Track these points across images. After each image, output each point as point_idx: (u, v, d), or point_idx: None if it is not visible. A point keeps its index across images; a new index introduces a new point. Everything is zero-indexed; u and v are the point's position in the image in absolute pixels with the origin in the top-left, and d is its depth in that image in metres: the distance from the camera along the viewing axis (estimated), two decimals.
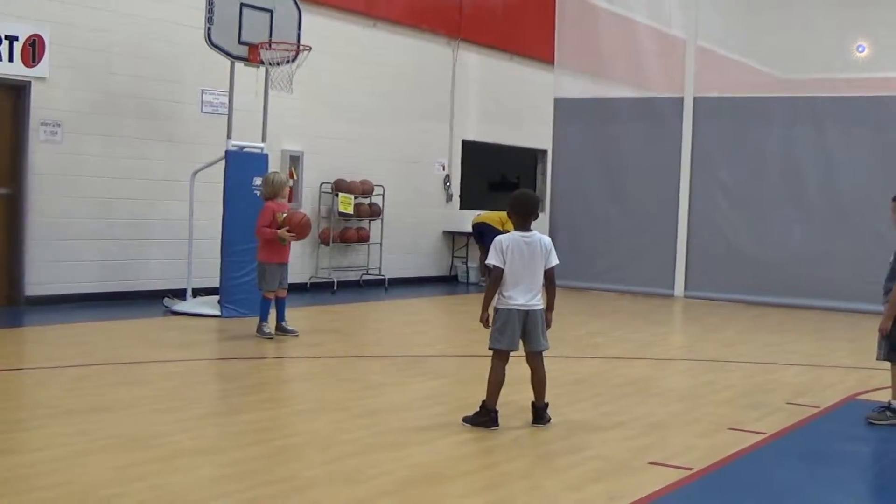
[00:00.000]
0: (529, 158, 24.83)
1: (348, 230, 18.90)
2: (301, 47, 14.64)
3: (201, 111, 16.02)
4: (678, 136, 19.70)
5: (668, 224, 19.68)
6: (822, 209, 18.24)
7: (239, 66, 14.55)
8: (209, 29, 14.03)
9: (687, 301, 19.23)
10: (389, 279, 19.56)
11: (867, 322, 14.04)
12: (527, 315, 8.06)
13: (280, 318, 12.54)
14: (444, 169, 21.58)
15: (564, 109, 20.93)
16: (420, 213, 20.80)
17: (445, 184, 21.57)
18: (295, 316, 13.04)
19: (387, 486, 6.35)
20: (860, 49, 20.36)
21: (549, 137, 21.37)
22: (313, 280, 18.34)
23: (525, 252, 8.06)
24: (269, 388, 9.91)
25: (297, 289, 17.54)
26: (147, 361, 10.54)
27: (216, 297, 14.32)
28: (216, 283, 14.45)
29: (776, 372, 11.51)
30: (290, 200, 13.32)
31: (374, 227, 19.41)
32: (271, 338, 12.23)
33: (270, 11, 14.55)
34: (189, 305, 14.43)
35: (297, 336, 12.40)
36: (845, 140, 18.21)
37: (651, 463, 7.17)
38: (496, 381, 8.08)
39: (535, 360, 8.23)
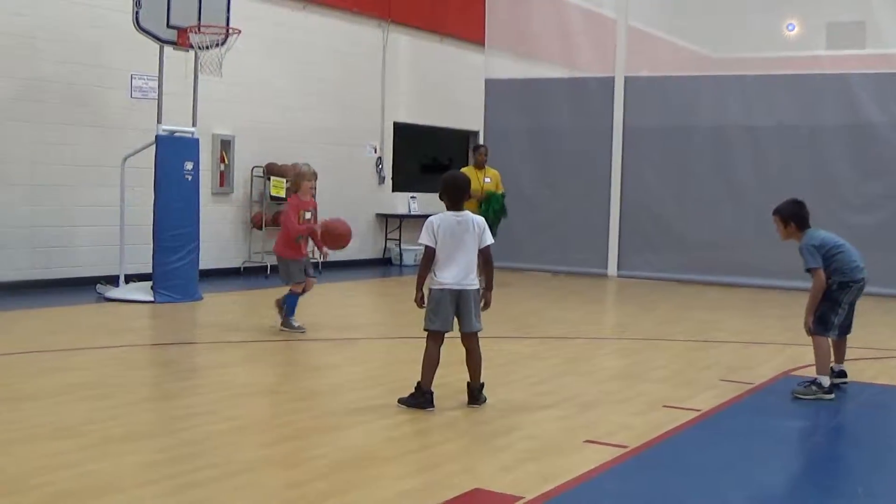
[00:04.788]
0: (461, 140, 24.80)
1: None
2: (230, 30, 14.51)
3: (130, 96, 15.79)
4: (609, 116, 19.77)
5: (600, 204, 19.76)
6: (753, 188, 18.37)
7: (168, 49, 14.39)
8: (137, 13, 13.87)
9: (620, 280, 19.33)
10: (322, 263, 19.44)
11: (799, 299, 14.18)
12: (460, 295, 8.03)
13: (289, 312, 11.92)
14: (375, 151, 21.52)
15: (495, 90, 20.94)
16: (352, 195, 20.70)
17: (377, 166, 21.51)
18: (228, 300, 12.97)
19: (321, 469, 6.32)
20: (790, 28, 20.53)
21: (481, 118, 21.36)
22: (246, 264, 18.22)
23: (457, 231, 8.05)
24: (202, 373, 9.82)
25: (231, 273, 17.49)
26: (79, 348, 10.42)
27: (149, 283, 14.19)
28: (149, 269, 14.30)
29: (709, 349, 11.60)
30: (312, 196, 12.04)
31: None
32: (303, 331, 11.69)
33: None
34: (122, 292, 14.28)
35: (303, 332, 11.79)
36: (774, 118, 18.35)
37: (586, 442, 7.19)
38: (430, 363, 8.06)
39: (469, 341, 8.20)
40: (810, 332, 9.07)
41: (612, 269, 19.71)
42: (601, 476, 6.43)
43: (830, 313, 9.00)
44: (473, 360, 8.22)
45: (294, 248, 11.75)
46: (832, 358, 9.33)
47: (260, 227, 18.31)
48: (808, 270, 8.99)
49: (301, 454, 6.67)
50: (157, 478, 6.08)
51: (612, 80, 19.81)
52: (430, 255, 8.07)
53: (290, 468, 6.36)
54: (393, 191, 22.08)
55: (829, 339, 9.11)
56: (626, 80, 19.73)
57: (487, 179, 17.02)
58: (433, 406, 7.99)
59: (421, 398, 8.03)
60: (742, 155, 18.62)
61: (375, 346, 11.19)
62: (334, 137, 20.19)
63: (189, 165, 14.30)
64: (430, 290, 8.09)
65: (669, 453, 7.17)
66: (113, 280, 14.73)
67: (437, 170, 23.35)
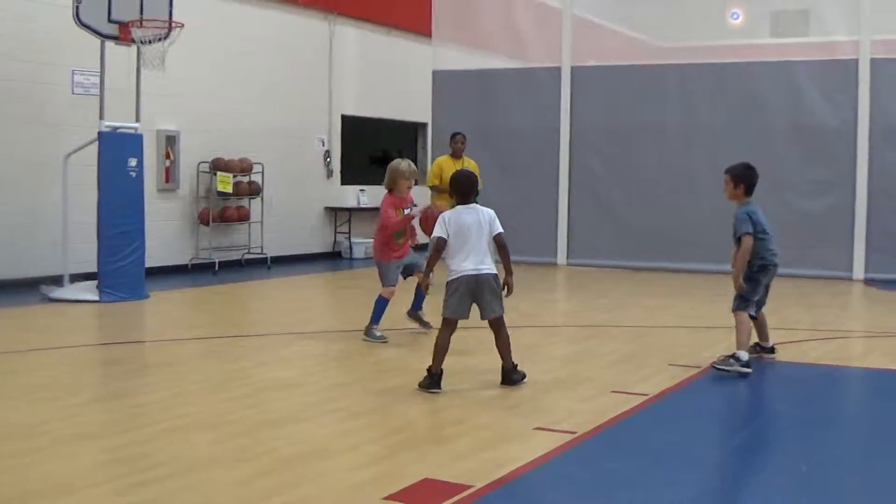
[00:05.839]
0: (410, 132, 24.81)
1: (228, 209, 18.67)
2: (173, 24, 14.40)
3: (72, 92, 15.70)
4: (557, 106, 19.81)
5: (549, 193, 19.81)
6: (699, 174, 18.43)
7: (110, 44, 14.25)
8: (77, 7, 13.72)
9: (570, 269, 19.38)
10: (272, 257, 19.40)
11: None
12: (477, 281, 8.44)
13: (417, 306, 11.46)
14: (323, 144, 21.47)
15: (443, 82, 20.90)
16: (301, 189, 20.65)
17: (326, 159, 21.46)
18: (176, 297, 12.89)
19: (273, 464, 6.30)
20: (734, 16, 20.63)
21: (429, 110, 21.34)
22: (194, 261, 18.11)
23: (469, 222, 8.54)
24: (151, 371, 9.75)
25: (179, 270, 17.39)
26: (25, 350, 10.31)
27: (94, 283, 14.07)
28: (94, 268, 14.17)
29: (658, 335, 11.67)
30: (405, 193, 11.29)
31: (255, 206, 19.23)
32: (385, 341, 10.84)
33: None
34: (67, 292, 14.12)
35: (429, 329, 11.27)
36: (719, 106, 18.48)
37: (536, 429, 7.22)
38: (440, 348, 8.46)
39: (495, 326, 8.62)
40: (735, 310, 9.61)
41: (561, 257, 19.77)
42: (551, 462, 6.47)
43: (752, 293, 9.61)
44: (501, 343, 8.65)
45: (387, 250, 11.03)
46: (759, 338, 10.06)
47: (207, 223, 18.20)
48: (740, 237, 9.48)
49: (252, 450, 6.63)
50: (108, 478, 6.05)
51: (559, 69, 19.85)
52: (439, 245, 8.54)
53: (240, 465, 6.32)
54: (342, 184, 22.03)
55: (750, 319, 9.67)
56: (573, 69, 19.79)
57: None
58: (440, 389, 8.32)
59: (430, 381, 8.38)
60: (688, 142, 18.73)
61: (327, 340, 11.14)
62: (282, 131, 20.11)
63: (133, 162, 14.18)
64: (447, 282, 8.48)
65: (618, 437, 7.22)
66: (57, 280, 14.58)
67: (387, 162, 23.28)
